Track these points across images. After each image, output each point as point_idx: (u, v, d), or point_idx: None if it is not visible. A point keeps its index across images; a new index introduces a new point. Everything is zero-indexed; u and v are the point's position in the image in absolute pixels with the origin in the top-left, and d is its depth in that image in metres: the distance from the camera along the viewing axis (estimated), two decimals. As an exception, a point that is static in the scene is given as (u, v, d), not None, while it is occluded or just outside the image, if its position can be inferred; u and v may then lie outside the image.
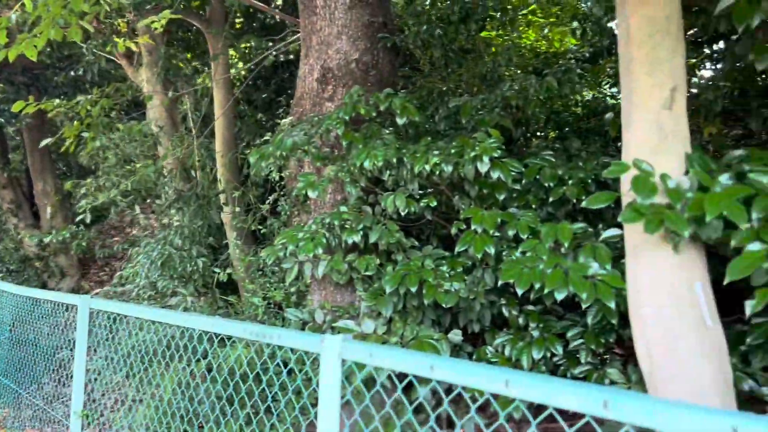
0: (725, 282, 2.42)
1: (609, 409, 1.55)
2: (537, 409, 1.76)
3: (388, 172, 3.67)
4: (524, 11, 5.85)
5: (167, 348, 3.47)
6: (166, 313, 3.34)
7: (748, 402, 2.91)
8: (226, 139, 7.01)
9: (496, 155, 3.30)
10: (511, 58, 4.82)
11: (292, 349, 3.10)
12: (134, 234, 10.81)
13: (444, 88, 5.14)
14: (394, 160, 3.53)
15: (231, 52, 8.18)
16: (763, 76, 4.06)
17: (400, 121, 3.79)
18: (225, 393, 3.31)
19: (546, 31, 6.93)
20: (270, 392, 2.94)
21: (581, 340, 3.37)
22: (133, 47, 5.37)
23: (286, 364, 3.59)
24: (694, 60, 4.18)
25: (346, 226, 3.90)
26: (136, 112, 9.48)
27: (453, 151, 3.50)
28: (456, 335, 3.83)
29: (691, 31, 4.39)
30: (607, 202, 2.76)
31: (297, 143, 3.79)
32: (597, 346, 3.32)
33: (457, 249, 3.50)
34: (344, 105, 3.85)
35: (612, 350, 3.81)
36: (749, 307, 2.39)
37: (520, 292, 2.88)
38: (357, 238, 3.85)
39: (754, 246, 2.42)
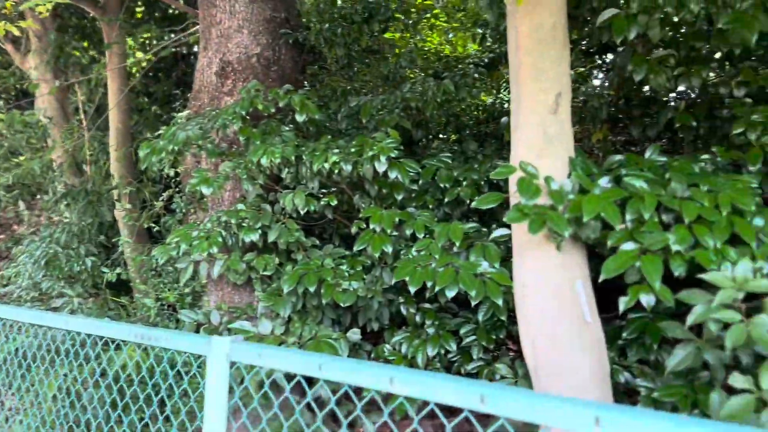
0: (600, 280, 2.56)
1: (485, 404, 1.58)
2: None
3: (286, 169, 3.62)
4: (428, 15, 5.95)
5: (47, 352, 3.25)
6: (45, 314, 3.12)
7: (624, 393, 3.09)
8: (121, 132, 6.68)
9: (393, 155, 3.33)
10: (414, 60, 4.89)
11: (179, 352, 2.98)
12: (20, 232, 10.08)
13: (348, 87, 5.13)
14: (293, 158, 3.48)
15: (129, 41, 7.80)
16: (648, 86, 4.35)
17: (299, 118, 3.74)
18: (111, 398, 3.15)
19: (451, 35, 7.09)
20: (157, 397, 2.81)
21: (473, 337, 3.46)
22: (15, 31, 4.99)
23: (176, 368, 3.47)
24: (582, 69, 4.41)
25: (244, 224, 3.81)
26: (25, 100, 8.84)
27: (353, 150, 3.50)
28: (354, 334, 3.82)
29: (585, 41, 4.63)
30: (496, 203, 2.84)
31: (191, 137, 3.66)
32: (488, 342, 3.42)
33: (355, 248, 3.51)
34: (242, 100, 3.75)
35: (505, 346, 3.96)
36: (622, 303, 2.54)
37: (412, 290, 2.92)
38: (255, 236, 3.77)
39: (628, 246, 2.57)
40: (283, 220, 3.87)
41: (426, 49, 6.02)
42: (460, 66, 4.97)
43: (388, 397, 3.59)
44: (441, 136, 5.44)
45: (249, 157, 3.51)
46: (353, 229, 3.69)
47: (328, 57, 5.33)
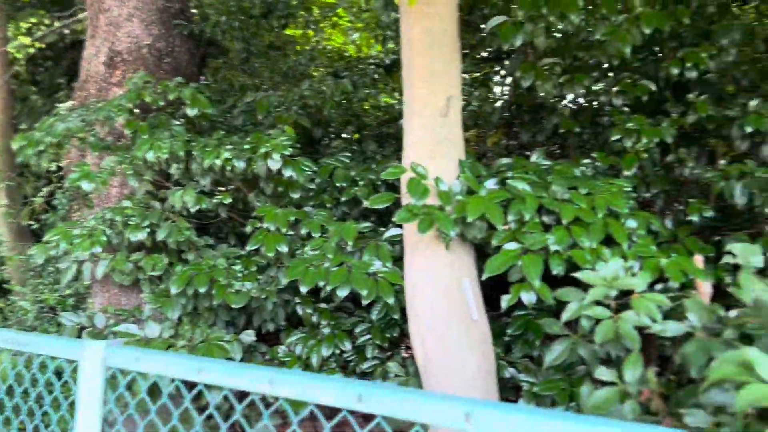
0: (483, 278, 2.63)
1: (363, 402, 1.58)
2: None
3: (175, 165, 3.47)
4: (330, 14, 5.92)
5: None
6: None
7: (510, 388, 3.20)
8: (1, 123, 6.19)
9: (287, 153, 3.27)
10: (315, 57, 4.85)
11: (54, 357, 2.79)
12: None
13: (248, 83, 5.01)
14: (182, 153, 3.35)
15: (11, 25, 7.25)
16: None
17: (190, 112, 3.60)
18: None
19: (356, 36, 7.10)
20: (26, 406, 2.61)
21: (368, 336, 3.47)
22: None
23: (59, 375, 3.24)
24: (478, 74, 4.54)
25: (130, 222, 3.62)
26: None
27: (246, 147, 3.41)
28: (248, 336, 3.73)
29: (484, 48, 4.75)
30: (388, 203, 2.86)
31: (71, 130, 3.43)
32: (382, 341, 3.44)
33: (248, 247, 3.43)
34: (129, 91, 3.56)
35: (401, 345, 3.99)
36: (505, 301, 2.62)
37: (303, 290, 2.89)
38: (142, 235, 3.60)
39: (511, 245, 2.66)
40: (173, 219, 3.72)
41: (329, 48, 5.99)
42: (360, 66, 4.98)
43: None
44: (344, 135, 5.43)
45: (134, 152, 3.35)
46: (248, 228, 3.60)
47: (230, 51, 5.19)
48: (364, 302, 2.86)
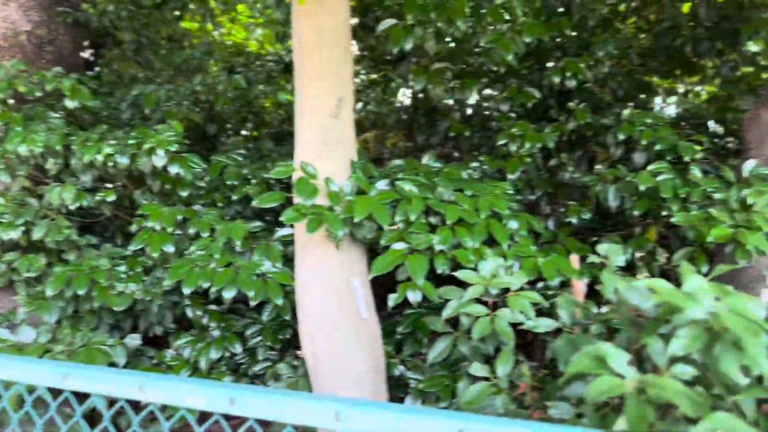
0: (370, 277, 2.66)
1: (235, 405, 1.56)
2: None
3: (52, 160, 3.27)
4: (229, 9, 5.78)
5: None
6: None
7: (399, 386, 3.25)
8: None
9: (173, 149, 3.16)
10: (212, 51, 4.72)
11: None
12: None
13: (140, 75, 4.80)
14: (59, 148, 3.15)
15: None
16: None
17: (70, 104, 3.40)
18: None
19: (259, 32, 6.97)
20: None
21: (259, 338, 3.42)
22: None
23: None
24: (375, 76, 4.59)
25: (3, 220, 3.38)
26: None
27: (131, 142, 3.27)
28: (133, 339, 3.58)
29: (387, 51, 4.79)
30: (278, 202, 2.83)
31: (-66, 120, 3.16)
32: (274, 343, 3.40)
33: (131, 247, 3.28)
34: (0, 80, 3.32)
35: (293, 346, 3.96)
36: (391, 300, 2.66)
37: (186, 291, 2.80)
38: (16, 234, 3.37)
39: (399, 245, 2.70)
40: (52, 216, 3.50)
41: (228, 43, 5.85)
42: (258, 62, 4.89)
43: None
44: (244, 133, 5.32)
45: (4, 145, 3.12)
46: (134, 227, 3.45)
47: (122, 42, 4.95)
48: (252, 303, 2.81)
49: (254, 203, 2.80)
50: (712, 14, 3.55)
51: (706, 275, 1.74)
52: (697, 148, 3.10)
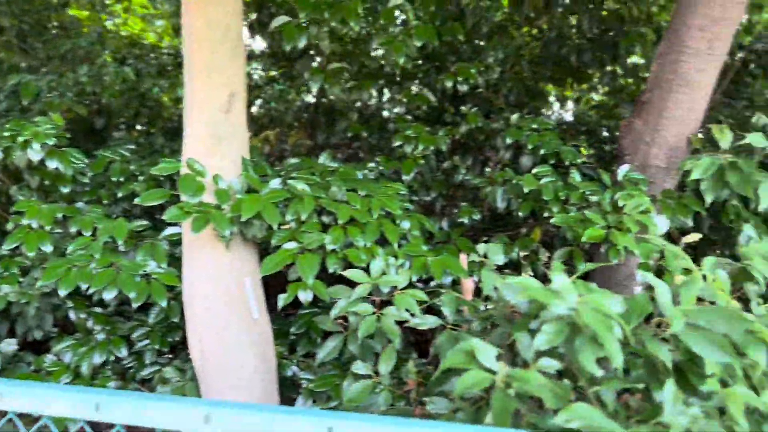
0: (260, 276, 2.62)
1: (100, 411, 1.49)
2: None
3: None
4: None
5: None
6: None
7: (293, 386, 3.22)
8: None
9: (51, 142, 2.98)
10: (103, 41, 4.48)
11: None
12: None
13: (23, 64, 4.49)
14: None
15: None
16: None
17: (-66, 92, 3.14)
18: None
19: (159, 23, 6.70)
20: None
21: (147, 341, 3.28)
22: None
23: None
24: (275, 73, 4.53)
25: None
26: None
27: (5, 134, 3.05)
28: (9, 345, 3.36)
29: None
30: (162, 199, 2.73)
31: None
32: (162, 346, 3.28)
33: (4, 246, 3.06)
34: None
35: (183, 349, 3.83)
36: (281, 300, 2.63)
37: (62, 293, 2.65)
38: None
39: (290, 245, 2.68)
40: None
41: (124, 33, 5.58)
42: (153, 55, 4.71)
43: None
44: (138, 127, 5.10)
45: None
46: (9, 225, 3.21)
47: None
48: (134, 305, 2.69)
49: (136, 201, 2.69)
50: (595, 26, 3.77)
51: (586, 274, 1.84)
52: (586, 152, 3.28)
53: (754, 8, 4.40)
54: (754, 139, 2.75)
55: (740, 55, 4.46)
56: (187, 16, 2.82)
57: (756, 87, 4.36)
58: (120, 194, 3.29)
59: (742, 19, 3.02)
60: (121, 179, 3.32)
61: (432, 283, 3.14)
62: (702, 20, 2.99)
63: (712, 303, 1.85)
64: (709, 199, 2.79)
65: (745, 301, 2.14)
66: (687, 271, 2.05)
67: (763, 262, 1.91)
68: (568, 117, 5.38)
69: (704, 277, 2.00)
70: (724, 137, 2.91)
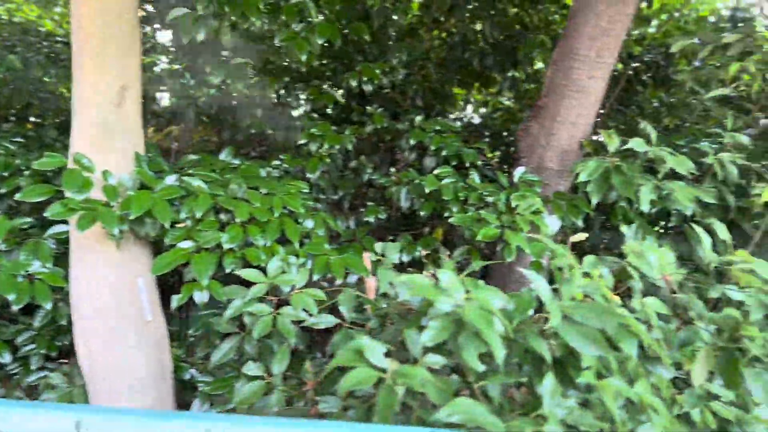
0: (152, 275, 2.53)
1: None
2: None
3: None
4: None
5: None
6: None
7: (190, 389, 3.13)
8: None
9: None
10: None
11: None
12: None
13: None
14: None
15: None
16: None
17: None
18: None
19: (57, 10, 6.32)
20: None
21: (33, 346, 3.10)
22: None
23: None
24: (178, 66, 4.37)
25: None
26: None
27: None
28: None
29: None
30: (45, 195, 2.58)
31: None
32: (50, 350, 3.11)
33: None
34: None
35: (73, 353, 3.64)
36: (175, 300, 2.55)
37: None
38: None
39: (185, 243, 2.60)
40: None
41: (16, 20, 5.23)
42: (46, 43, 4.44)
43: None
44: (32, 119, 4.79)
45: None
46: None
47: None
48: (14, 307, 2.53)
49: (17, 197, 2.52)
50: (496, 32, 3.88)
51: (486, 273, 1.89)
52: (491, 155, 3.37)
53: (644, 21, 4.68)
54: (635, 143, 2.92)
55: (633, 64, 4.74)
56: (75, 3, 2.67)
57: (645, 95, 4.64)
58: (3, 190, 3.08)
59: (627, 30, 3.19)
60: (5, 174, 3.10)
61: (337, 282, 3.14)
62: (592, 29, 3.15)
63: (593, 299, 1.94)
64: (595, 200, 2.94)
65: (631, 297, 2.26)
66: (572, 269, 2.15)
67: (636, 259, 2.03)
68: (478, 120, 5.54)
69: (587, 275, 2.10)
70: (612, 142, 3.08)
